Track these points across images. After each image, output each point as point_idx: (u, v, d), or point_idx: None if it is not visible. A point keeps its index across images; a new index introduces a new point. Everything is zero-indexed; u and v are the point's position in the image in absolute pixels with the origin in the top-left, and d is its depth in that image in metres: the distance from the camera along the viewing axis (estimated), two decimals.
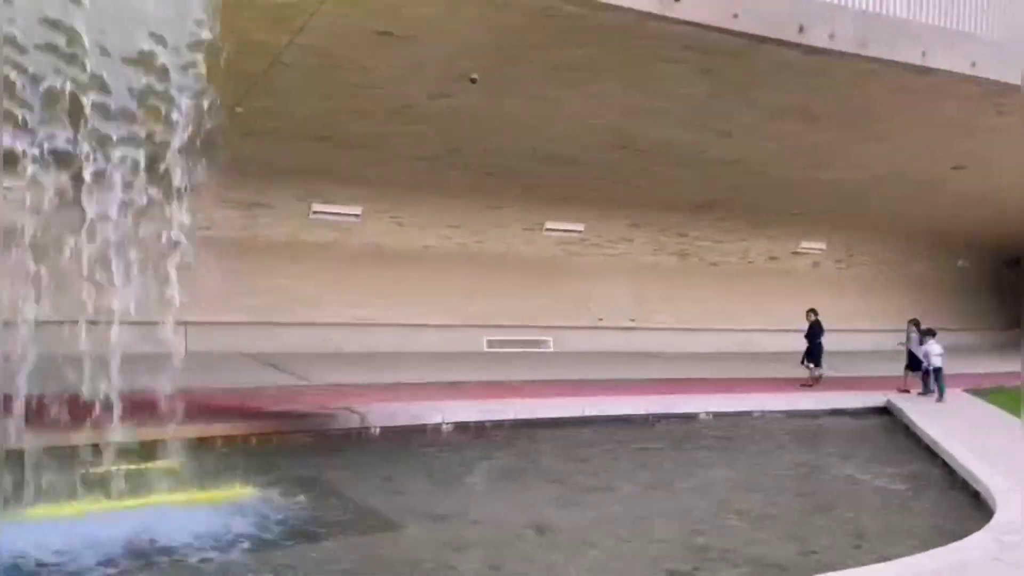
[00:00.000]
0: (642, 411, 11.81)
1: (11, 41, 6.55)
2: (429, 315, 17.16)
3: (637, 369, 16.07)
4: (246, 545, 5.84)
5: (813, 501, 8.27)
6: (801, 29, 11.18)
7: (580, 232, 19.19)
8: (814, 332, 15.19)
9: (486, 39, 10.32)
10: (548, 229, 18.77)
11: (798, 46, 11.17)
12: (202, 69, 7.31)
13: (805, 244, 22.41)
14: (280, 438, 9.25)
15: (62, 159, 7.09)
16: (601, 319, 19.34)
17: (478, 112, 12.61)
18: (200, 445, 7.81)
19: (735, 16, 10.64)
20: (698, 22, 10.41)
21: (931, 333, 14.20)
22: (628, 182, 16.91)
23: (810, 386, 14.59)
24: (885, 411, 13.11)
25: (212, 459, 7.45)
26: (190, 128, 7.46)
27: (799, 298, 17.59)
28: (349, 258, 16.73)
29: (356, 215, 16.77)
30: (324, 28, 9.70)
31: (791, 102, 12.91)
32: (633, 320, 19.64)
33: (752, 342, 19.70)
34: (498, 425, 10.62)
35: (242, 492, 7.06)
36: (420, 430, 10.15)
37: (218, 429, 8.99)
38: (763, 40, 10.91)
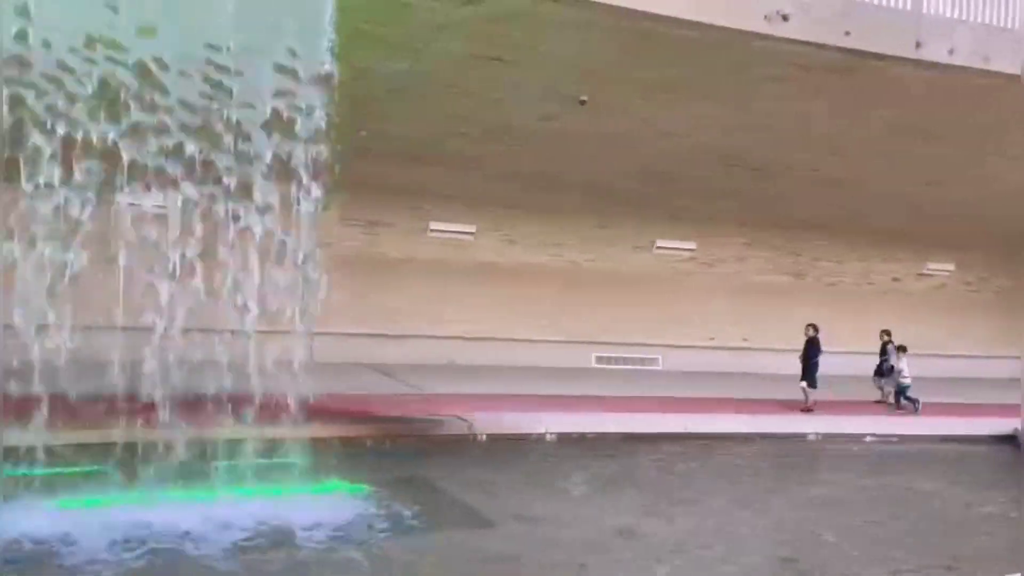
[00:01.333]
0: (746, 430, 11.80)
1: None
2: (539, 331, 17.59)
3: (746, 389, 15.93)
4: (353, 535, 6.37)
5: (915, 524, 8.12)
6: (918, 45, 11.01)
7: (691, 250, 19.19)
8: (810, 351, 13.92)
9: (591, 62, 10.71)
10: (659, 247, 18.87)
11: (916, 62, 11.00)
12: (326, 98, 8.08)
13: (932, 265, 21.52)
14: (392, 441, 9.88)
15: (209, 178, 8.00)
16: (712, 338, 19.23)
17: (583, 132, 12.99)
18: (320, 445, 8.44)
19: (847, 34, 10.61)
20: (808, 40, 10.45)
21: (903, 349, 14.48)
22: (739, 200, 16.85)
23: (809, 411, 13.31)
24: (1013, 439, 12.53)
25: (330, 457, 8.06)
26: (316, 152, 8.24)
27: (924, 320, 16.91)
28: (463, 274, 17.38)
29: (471, 233, 17.44)
30: (436, 56, 10.35)
31: (907, 118, 12.64)
32: (746, 339, 19.41)
33: (871, 365, 19.10)
34: (600, 437, 10.89)
35: (355, 488, 7.65)
36: (524, 439, 10.56)
37: (337, 431, 9.68)
38: (879, 57, 10.81)
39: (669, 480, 9.09)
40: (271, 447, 7.71)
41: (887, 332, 15.37)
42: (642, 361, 18.56)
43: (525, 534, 6.76)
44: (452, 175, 15.12)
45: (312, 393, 7.94)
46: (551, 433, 10.79)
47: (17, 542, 5.69)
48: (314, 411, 8.14)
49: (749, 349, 19.32)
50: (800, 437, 11.94)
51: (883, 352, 15.22)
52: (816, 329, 14.17)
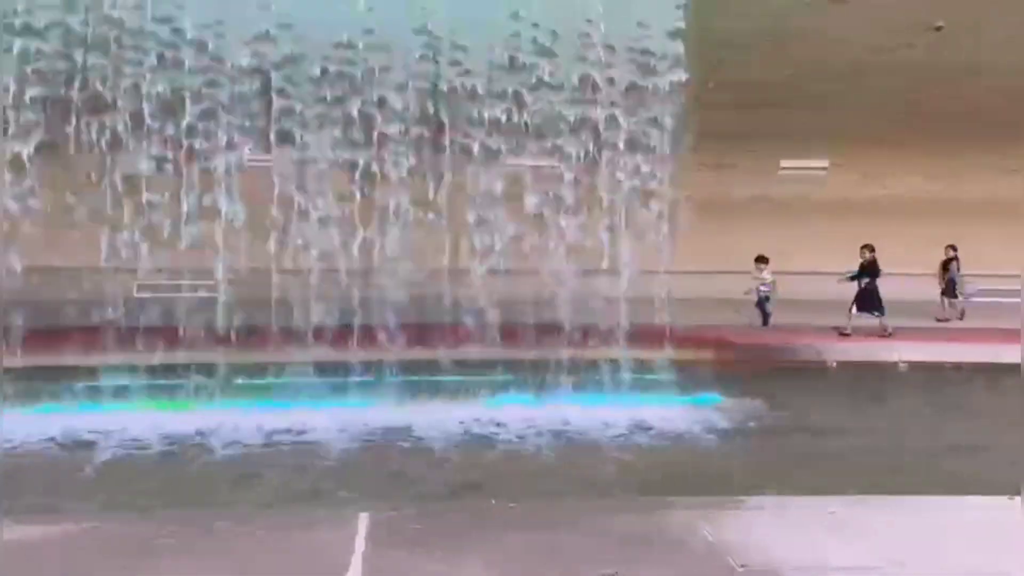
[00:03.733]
0: None
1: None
2: (893, 264, 17.24)
3: None
4: (706, 436, 7.68)
5: None
6: None
7: None
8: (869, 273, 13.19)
9: None
10: None
11: None
12: (679, 52, 9.31)
13: None
14: (746, 366, 10.99)
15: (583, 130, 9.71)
16: None
17: (939, 60, 12.62)
18: (683, 366, 9.79)
19: None
20: None
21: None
22: None
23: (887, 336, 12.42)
24: None
25: (691, 377, 9.40)
26: (671, 103, 9.54)
27: None
28: (814, 212, 17.60)
29: (823, 168, 17.59)
30: (780, 5, 10.95)
31: None
32: None
33: None
34: (956, 367, 10.93)
35: (711, 401, 8.95)
36: (875, 367, 11.02)
37: (694, 355, 11.03)
38: None
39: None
40: (644, 367, 9.26)
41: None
42: (1015, 293, 17.28)
43: (848, 444, 7.41)
44: (800, 116, 15.45)
45: (673, 325, 9.43)
46: (903, 362, 11.09)
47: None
48: (677, 339, 9.61)
49: None
50: None
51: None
52: (872, 250, 13.64)
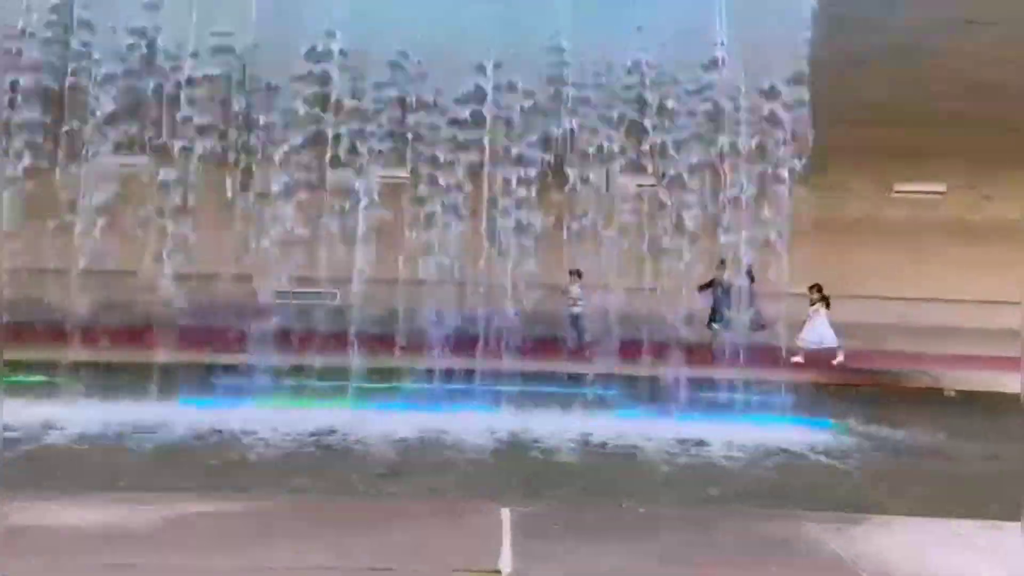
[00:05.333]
0: None
1: None
2: (1014, 291, 16.65)
3: None
4: (826, 456, 7.72)
5: None
6: None
7: None
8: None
9: None
10: None
11: None
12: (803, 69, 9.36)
13: None
14: (857, 389, 10.93)
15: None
16: None
17: None
18: (793, 388, 9.80)
19: None
20: None
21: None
22: None
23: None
24: None
25: (801, 398, 9.41)
26: (794, 123, 9.65)
27: None
28: (926, 234, 17.19)
29: (940, 192, 17.16)
30: (909, 24, 10.89)
31: None
32: None
33: None
34: None
35: (828, 423, 8.98)
36: (996, 396, 10.76)
37: (805, 377, 11.06)
38: None
39: None
40: (754, 386, 9.37)
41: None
42: None
43: (972, 469, 7.39)
44: (917, 135, 15.18)
45: (785, 344, 9.53)
46: None
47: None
48: (785, 360, 9.71)
49: None
50: None
51: None
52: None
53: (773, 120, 9.67)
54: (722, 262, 11.95)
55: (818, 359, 12.51)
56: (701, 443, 7.81)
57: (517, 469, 6.91)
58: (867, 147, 15.83)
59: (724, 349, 10.35)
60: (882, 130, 14.86)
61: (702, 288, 12.58)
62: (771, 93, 9.65)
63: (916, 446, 8.29)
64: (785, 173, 10.01)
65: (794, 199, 10.25)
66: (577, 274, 12.98)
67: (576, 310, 13.19)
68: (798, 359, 12.44)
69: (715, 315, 12.68)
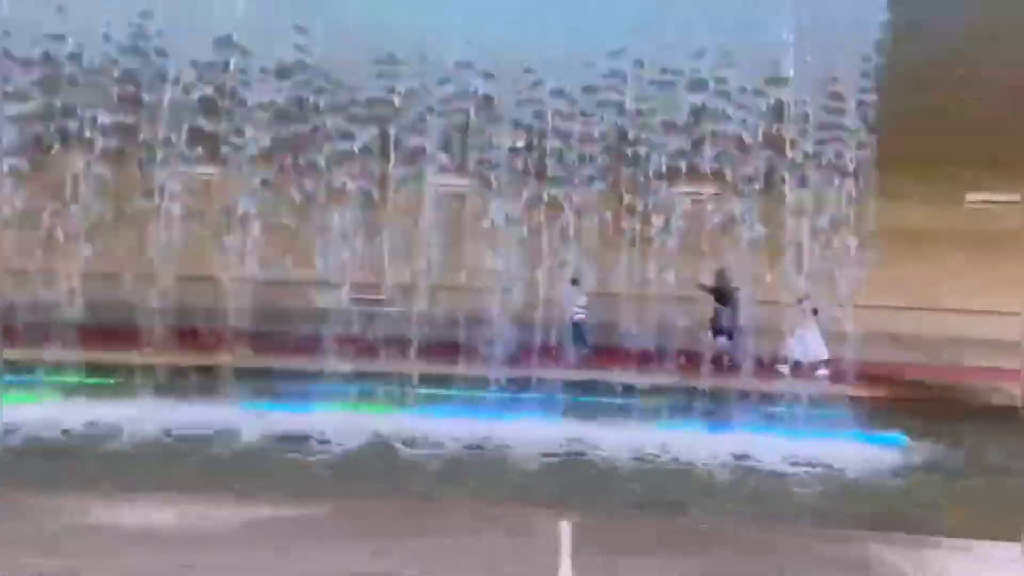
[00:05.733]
0: None
1: None
2: None
3: None
4: (895, 475, 7.56)
5: None
6: None
7: None
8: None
9: None
10: None
11: None
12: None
13: None
14: (927, 405, 10.63)
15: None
16: None
17: None
18: (859, 402, 9.64)
19: None
20: None
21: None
22: None
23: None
24: None
25: (872, 413, 9.22)
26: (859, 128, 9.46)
27: None
28: (999, 243, 16.64)
29: (1015, 202, 16.60)
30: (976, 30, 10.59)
31: None
32: None
33: None
34: None
35: (898, 440, 8.78)
36: None
37: (873, 391, 10.75)
38: None
39: None
40: (821, 400, 9.17)
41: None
42: None
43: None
44: (991, 143, 14.72)
45: (852, 359, 9.34)
46: None
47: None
48: (856, 374, 9.51)
49: None
50: None
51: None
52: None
53: (839, 128, 9.51)
54: (722, 271, 11.35)
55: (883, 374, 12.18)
56: (757, 458, 7.71)
57: (576, 479, 6.91)
58: (936, 155, 15.40)
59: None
60: (952, 139, 14.45)
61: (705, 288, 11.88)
62: (837, 99, 9.51)
63: (995, 465, 8.05)
64: (851, 182, 9.83)
65: (861, 208, 10.06)
66: (574, 282, 12.71)
67: (579, 317, 12.98)
68: (785, 369, 11.35)
69: (717, 328, 11.94)
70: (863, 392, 10.66)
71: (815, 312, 11.92)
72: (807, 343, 11.96)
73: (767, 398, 9.09)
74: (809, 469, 7.45)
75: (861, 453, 8.16)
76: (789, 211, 9.82)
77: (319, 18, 9.28)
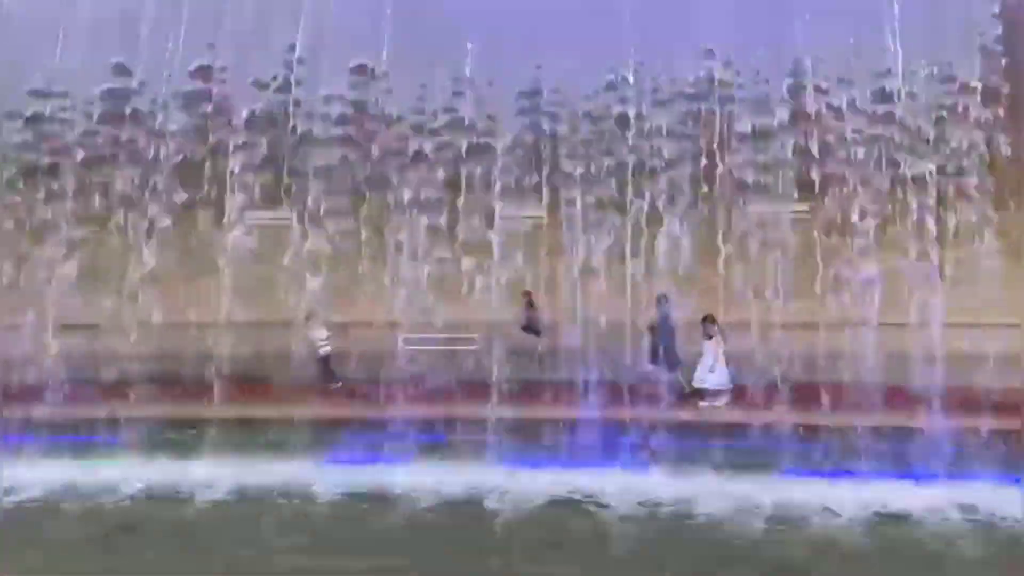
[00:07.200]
0: None
1: None
2: None
3: None
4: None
5: None
6: None
7: None
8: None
9: None
10: None
11: None
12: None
13: None
14: None
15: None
16: None
17: None
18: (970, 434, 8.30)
19: None
20: None
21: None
22: None
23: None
24: None
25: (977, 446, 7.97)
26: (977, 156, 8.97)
27: None
28: None
29: None
30: None
31: None
32: None
33: None
34: None
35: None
36: None
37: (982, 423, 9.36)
38: None
39: None
40: (962, 436, 7.97)
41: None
42: None
43: None
44: None
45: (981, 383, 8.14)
46: None
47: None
48: (993, 402, 8.28)
49: None
50: None
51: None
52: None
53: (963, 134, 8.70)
54: (663, 297, 10.37)
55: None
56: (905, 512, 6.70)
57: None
58: None
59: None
60: None
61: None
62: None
63: None
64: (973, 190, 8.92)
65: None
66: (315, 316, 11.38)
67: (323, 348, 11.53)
68: (710, 403, 10.15)
69: (655, 354, 10.39)
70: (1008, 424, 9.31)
71: (723, 335, 10.44)
72: (711, 369, 10.40)
73: (904, 434, 7.95)
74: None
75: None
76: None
77: None
